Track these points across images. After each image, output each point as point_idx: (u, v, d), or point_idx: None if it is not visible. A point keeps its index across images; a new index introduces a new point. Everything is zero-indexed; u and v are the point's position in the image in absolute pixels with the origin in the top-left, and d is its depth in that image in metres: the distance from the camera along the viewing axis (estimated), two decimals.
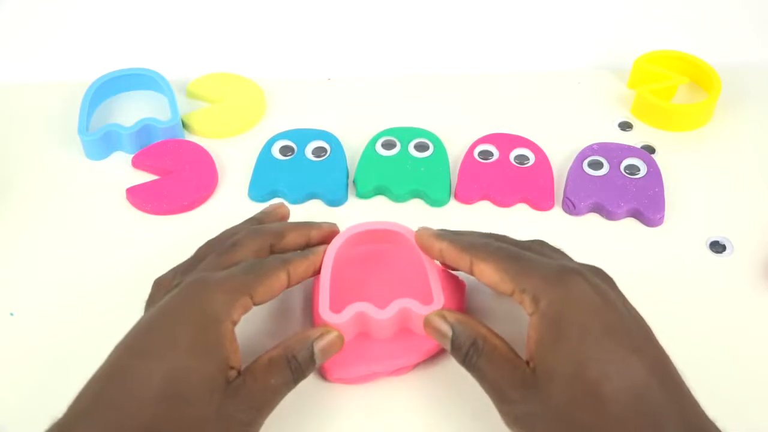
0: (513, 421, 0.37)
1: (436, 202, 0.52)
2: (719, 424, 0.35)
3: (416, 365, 0.44)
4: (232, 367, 0.37)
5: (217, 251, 0.42)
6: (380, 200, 0.53)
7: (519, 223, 0.52)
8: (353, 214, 0.52)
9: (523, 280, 0.37)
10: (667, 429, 0.33)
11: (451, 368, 0.44)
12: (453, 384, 0.43)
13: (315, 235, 0.44)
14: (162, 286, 0.42)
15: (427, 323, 0.40)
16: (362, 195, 0.53)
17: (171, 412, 0.34)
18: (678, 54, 0.61)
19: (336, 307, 0.42)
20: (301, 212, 0.52)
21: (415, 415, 0.42)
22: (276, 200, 0.47)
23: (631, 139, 0.57)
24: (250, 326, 0.43)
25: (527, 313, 0.37)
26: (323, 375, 0.43)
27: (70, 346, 0.45)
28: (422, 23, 0.67)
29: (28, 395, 0.43)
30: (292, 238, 0.44)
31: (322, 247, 0.43)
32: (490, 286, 0.39)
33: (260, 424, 0.37)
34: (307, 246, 0.44)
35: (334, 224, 0.46)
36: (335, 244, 0.45)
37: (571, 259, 0.41)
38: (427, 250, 0.42)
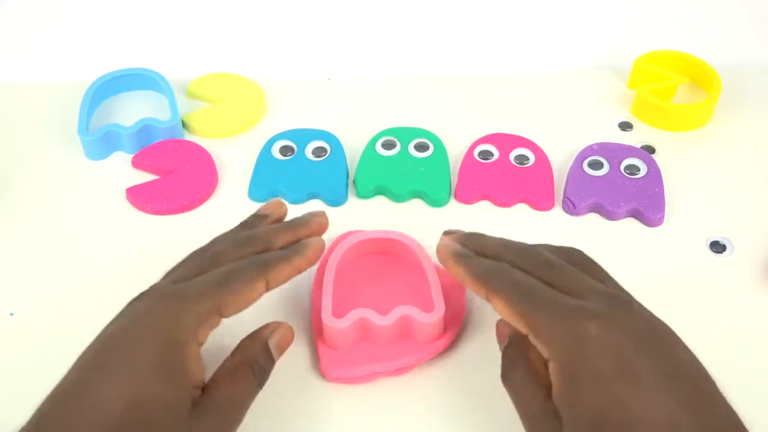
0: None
1: (436, 202, 0.52)
2: None
3: (415, 366, 0.43)
4: (196, 387, 0.35)
5: (197, 261, 0.40)
6: (380, 200, 0.53)
7: (519, 223, 0.52)
8: (353, 214, 0.52)
9: (534, 323, 0.35)
10: None
11: (451, 370, 0.44)
12: (453, 385, 0.43)
13: (304, 235, 0.42)
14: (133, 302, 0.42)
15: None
16: (362, 195, 0.53)
17: None
18: (678, 54, 0.61)
19: (337, 312, 0.42)
20: (301, 212, 0.52)
21: (415, 416, 0.42)
22: (273, 199, 0.46)
23: (631, 139, 0.57)
24: (245, 327, 0.42)
25: (546, 356, 0.35)
26: (323, 375, 0.43)
27: (70, 346, 0.44)
28: (422, 23, 0.67)
29: (28, 395, 0.43)
30: (279, 246, 0.41)
31: (308, 245, 0.41)
32: (509, 322, 0.37)
33: None
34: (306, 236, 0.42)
35: (322, 215, 0.44)
36: (337, 253, 0.45)
37: (595, 283, 0.38)
38: (447, 271, 0.41)
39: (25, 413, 0.41)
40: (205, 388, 0.36)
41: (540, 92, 0.61)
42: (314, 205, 0.53)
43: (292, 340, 0.40)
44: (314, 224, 0.43)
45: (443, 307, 0.42)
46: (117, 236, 0.51)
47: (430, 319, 0.42)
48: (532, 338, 0.36)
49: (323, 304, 0.42)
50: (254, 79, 0.61)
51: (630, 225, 0.52)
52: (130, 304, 0.38)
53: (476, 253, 0.40)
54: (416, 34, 0.66)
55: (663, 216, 0.51)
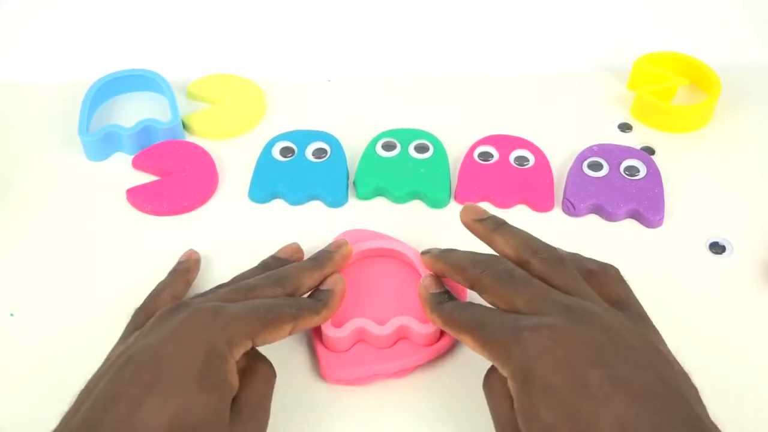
0: None
1: (436, 204, 0.52)
2: (719, 423, 0.35)
3: (415, 368, 0.44)
4: (232, 397, 0.36)
5: (231, 289, 0.41)
6: (380, 201, 0.53)
7: (519, 224, 0.51)
8: (353, 216, 0.52)
9: (493, 349, 0.36)
10: None
11: (451, 371, 0.44)
12: (453, 386, 0.43)
13: (330, 272, 0.43)
14: (158, 302, 0.43)
15: None
16: (362, 196, 0.53)
17: None
18: (678, 55, 0.61)
19: (336, 319, 0.43)
20: (301, 213, 0.52)
21: (414, 418, 0.42)
22: (291, 245, 0.47)
23: (631, 140, 0.57)
24: None
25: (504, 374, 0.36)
26: (322, 377, 0.43)
27: (70, 346, 0.45)
28: (422, 24, 0.67)
29: (28, 395, 0.43)
30: (308, 286, 0.43)
31: (334, 294, 0.42)
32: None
33: (267, 416, 0.38)
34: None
35: (345, 245, 0.45)
36: None
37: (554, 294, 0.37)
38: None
39: (25, 413, 0.42)
40: (244, 392, 0.37)
41: (540, 93, 0.61)
42: (314, 206, 0.53)
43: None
44: (339, 259, 0.44)
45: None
46: (117, 237, 0.51)
47: (427, 329, 0.43)
48: (495, 363, 0.36)
49: None
50: (254, 80, 0.61)
51: (630, 226, 0.52)
52: (162, 316, 0.39)
53: (453, 271, 0.41)
54: (416, 35, 0.66)
55: (663, 217, 0.51)
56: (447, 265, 0.41)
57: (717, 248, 0.50)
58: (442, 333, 0.44)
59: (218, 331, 0.36)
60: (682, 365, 0.36)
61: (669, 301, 0.47)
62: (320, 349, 0.43)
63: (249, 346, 0.38)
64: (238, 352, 0.37)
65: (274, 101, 0.60)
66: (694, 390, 0.36)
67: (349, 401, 0.42)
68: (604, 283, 0.39)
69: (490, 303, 0.39)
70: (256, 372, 0.38)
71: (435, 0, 0.69)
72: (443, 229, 0.51)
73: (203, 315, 0.37)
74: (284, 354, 0.43)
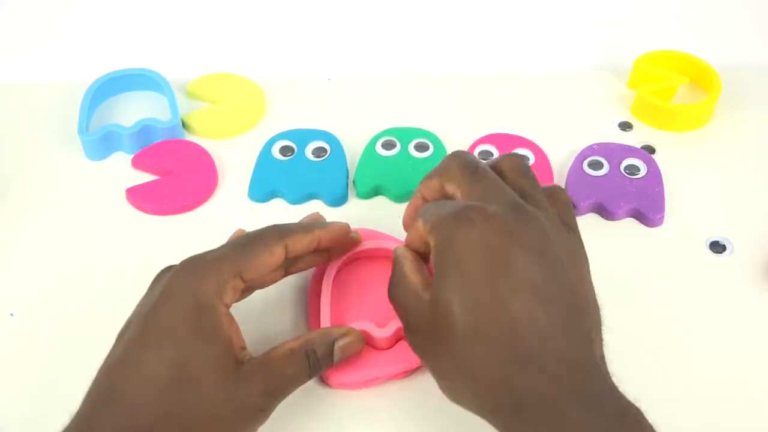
0: (415, 350, 0.38)
1: None
2: (719, 423, 0.35)
3: (417, 369, 0.44)
4: (235, 347, 0.37)
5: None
6: (380, 200, 0.53)
7: None
8: (353, 214, 0.52)
9: (432, 222, 0.37)
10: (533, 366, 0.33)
11: None
12: None
13: (324, 237, 0.43)
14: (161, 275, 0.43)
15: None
16: (362, 195, 0.53)
17: (183, 395, 0.34)
18: (678, 54, 0.61)
19: (336, 323, 0.43)
20: (301, 212, 0.52)
21: (418, 419, 0.42)
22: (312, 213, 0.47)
23: (631, 139, 0.57)
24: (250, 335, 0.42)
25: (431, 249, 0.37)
26: (325, 381, 0.43)
27: (70, 346, 0.45)
28: (422, 23, 0.67)
29: (28, 395, 0.43)
30: (301, 238, 0.41)
31: (329, 224, 0.43)
32: (423, 241, 0.38)
33: (271, 411, 0.37)
34: (317, 250, 0.43)
35: (345, 225, 0.44)
36: (334, 264, 0.45)
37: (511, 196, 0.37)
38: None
39: (25, 413, 0.42)
40: (257, 359, 0.37)
41: (540, 92, 0.61)
42: (314, 206, 0.53)
43: (360, 348, 0.42)
44: (336, 227, 0.44)
45: None
46: (117, 236, 0.51)
47: None
48: (428, 235, 0.37)
49: (321, 317, 0.43)
50: (254, 79, 0.61)
51: (630, 225, 0.52)
52: (157, 277, 0.40)
53: (425, 180, 0.41)
54: (416, 35, 0.66)
55: (663, 216, 0.51)
56: (420, 185, 0.41)
57: (717, 247, 0.50)
58: None
59: (201, 280, 0.37)
60: (600, 309, 0.37)
61: (669, 300, 0.47)
62: None
63: (241, 285, 0.38)
64: (229, 296, 0.37)
65: (273, 100, 0.60)
66: (598, 327, 0.36)
67: (352, 404, 0.42)
68: (561, 203, 0.40)
69: (451, 195, 0.39)
70: (295, 358, 0.38)
71: (435, 0, 0.69)
72: None
73: (186, 268, 0.38)
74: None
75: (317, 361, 0.39)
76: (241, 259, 0.38)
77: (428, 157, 0.54)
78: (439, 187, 0.40)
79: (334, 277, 0.46)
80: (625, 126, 0.58)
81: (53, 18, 0.67)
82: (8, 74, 0.63)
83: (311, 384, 0.43)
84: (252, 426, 0.37)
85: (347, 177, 0.54)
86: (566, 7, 0.68)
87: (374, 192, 0.53)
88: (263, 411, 0.37)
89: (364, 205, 0.53)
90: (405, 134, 0.55)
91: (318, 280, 0.46)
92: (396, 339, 0.43)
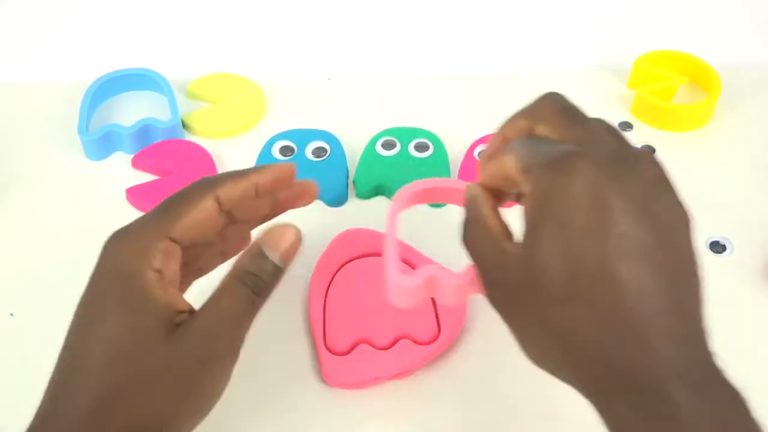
0: (494, 303, 0.34)
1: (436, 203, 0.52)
2: None
3: (417, 369, 0.44)
4: (180, 312, 0.34)
5: None
6: (380, 200, 0.53)
7: (518, 222, 0.51)
8: (353, 215, 0.52)
9: (527, 163, 0.33)
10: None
11: (453, 371, 0.44)
12: (454, 387, 0.43)
13: (261, 180, 0.37)
14: None
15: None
16: (362, 195, 0.53)
17: (120, 373, 0.33)
18: (678, 54, 0.61)
19: (338, 338, 0.43)
20: (300, 212, 0.52)
21: (418, 420, 0.42)
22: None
23: (631, 139, 0.57)
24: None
25: (525, 196, 0.33)
26: (325, 381, 0.43)
27: None
28: (422, 23, 0.67)
29: (28, 395, 0.43)
30: (232, 185, 0.37)
31: (267, 165, 0.38)
32: (510, 178, 0.34)
33: (223, 357, 0.34)
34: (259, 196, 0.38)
35: (287, 165, 0.39)
36: (335, 260, 0.45)
37: (619, 145, 0.34)
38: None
39: (25, 413, 0.42)
40: (192, 313, 0.34)
41: (540, 92, 0.61)
42: (314, 205, 0.52)
43: (296, 241, 0.36)
44: (271, 167, 0.39)
45: (437, 330, 0.44)
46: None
47: (428, 342, 0.43)
48: (519, 175, 0.33)
49: (388, 264, 0.37)
50: (254, 79, 0.61)
51: None
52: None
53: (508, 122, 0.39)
54: (416, 35, 0.66)
55: None
56: (504, 125, 0.38)
57: (717, 247, 0.50)
58: (445, 326, 0.44)
59: (125, 249, 0.34)
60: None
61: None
62: (322, 353, 0.43)
63: (172, 247, 0.35)
64: (158, 260, 0.34)
65: (273, 100, 0.60)
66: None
67: (352, 405, 0.42)
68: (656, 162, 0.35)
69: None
70: (227, 290, 0.34)
71: (435, 0, 0.68)
72: (443, 227, 0.51)
73: (111, 241, 0.35)
74: (286, 357, 0.43)
75: (254, 277, 0.35)
76: (167, 220, 0.35)
77: (428, 157, 0.54)
78: (527, 130, 0.36)
79: (333, 278, 0.46)
80: (625, 126, 0.58)
81: (53, 18, 0.67)
82: (8, 74, 0.63)
83: (311, 384, 0.43)
84: (203, 385, 0.34)
85: (347, 177, 0.54)
86: (566, 7, 0.68)
87: (374, 192, 0.53)
88: (208, 363, 0.34)
89: (364, 205, 0.53)
90: (405, 134, 0.55)
91: (318, 279, 0.46)
92: (396, 339, 0.43)
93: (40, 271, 0.49)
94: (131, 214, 0.52)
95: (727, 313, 0.47)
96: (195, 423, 0.34)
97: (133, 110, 0.59)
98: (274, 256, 0.35)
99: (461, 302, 0.41)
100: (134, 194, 0.52)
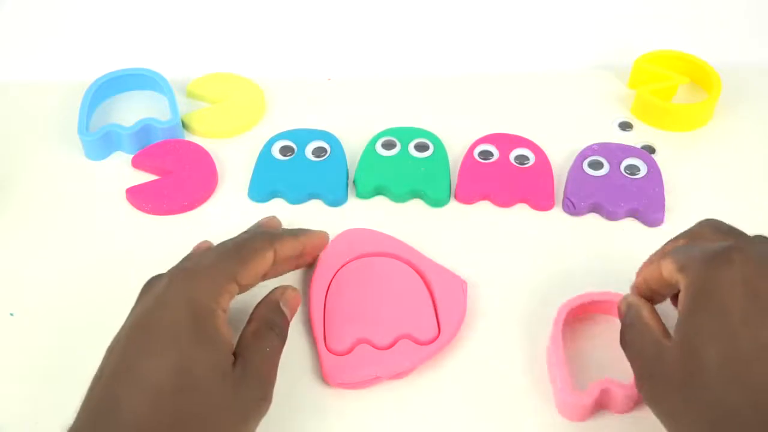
0: (649, 397, 0.36)
1: (436, 202, 0.52)
2: None
3: (417, 368, 0.44)
4: (230, 351, 0.37)
5: (208, 247, 0.43)
6: (380, 200, 0.53)
7: (519, 223, 0.52)
8: (353, 215, 0.52)
9: (684, 263, 0.36)
10: None
11: (453, 371, 0.44)
12: (455, 386, 0.43)
13: (308, 244, 0.45)
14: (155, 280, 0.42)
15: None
16: (362, 195, 0.53)
17: (187, 402, 0.34)
18: (678, 54, 0.61)
19: (338, 338, 0.43)
20: (301, 212, 0.52)
21: (417, 420, 0.42)
22: (269, 215, 0.49)
23: (631, 139, 0.57)
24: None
25: (681, 294, 0.35)
26: (325, 381, 0.43)
27: (70, 346, 0.45)
28: (422, 24, 0.67)
29: (28, 395, 0.43)
30: (289, 244, 0.43)
31: (312, 231, 0.45)
32: (669, 281, 0.37)
33: (271, 395, 0.38)
34: (301, 255, 0.45)
35: (325, 234, 0.47)
36: (337, 258, 0.46)
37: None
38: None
39: (25, 413, 0.42)
40: (236, 355, 0.37)
41: (540, 92, 0.61)
42: (314, 205, 0.53)
43: (299, 300, 0.43)
44: (316, 235, 0.46)
45: (437, 330, 0.44)
46: (117, 236, 0.51)
47: (429, 342, 0.43)
48: (674, 275, 0.36)
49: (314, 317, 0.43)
50: (254, 79, 0.61)
51: (630, 225, 0.52)
52: (147, 288, 0.40)
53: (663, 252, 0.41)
54: (416, 35, 0.66)
55: (663, 216, 0.51)
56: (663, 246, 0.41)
57: None
58: (445, 325, 0.44)
59: (199, 286, 0.37)
60: None
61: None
62: (323, 352, 0.43)
63: (236, 290, 0.39)
64: (226, 300, 0.38)
65: (273, 100, 0.60)
66: None
67: (353, 404, 0.42)
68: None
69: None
70: (263, 335, 0.39)
71: (435, 0, 0.68)
72: (443, 227, 0.51)
73: (181, 275, 0.38)
74: (286, 357, 0.43)
75: (278, 326, 0.40)
76: (236, 264, 0.39)
77: (428, 157, 0.54)
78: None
79: (333, 278, 0.46)
80: (625, 126, 0.58)
81: (53, 18, 0.67)
82: (8, 74, 0.63)
83: (311, 384, 0.43)
84: (256, 419, 0.37)
85: (347, 177, 0.54)
86: (566, 7, 0.68)
87: (374, 192, 0.53)
88: (263, 400, 0.37)
89: (364, 205, 0.53)
90: (405, 134, 0.55)
91: (318, 279, 0.46)
92: (396, 339, 0.43)
93: (40, 271, 0.49)
94: (131, 214, 0.52)
95: None
96: None
97: (133, 110, 0.59)
98: (286, 311, 0.41)
99: (629, 410, 0.42)
100: (134, 194, 0.52)
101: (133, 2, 0.68)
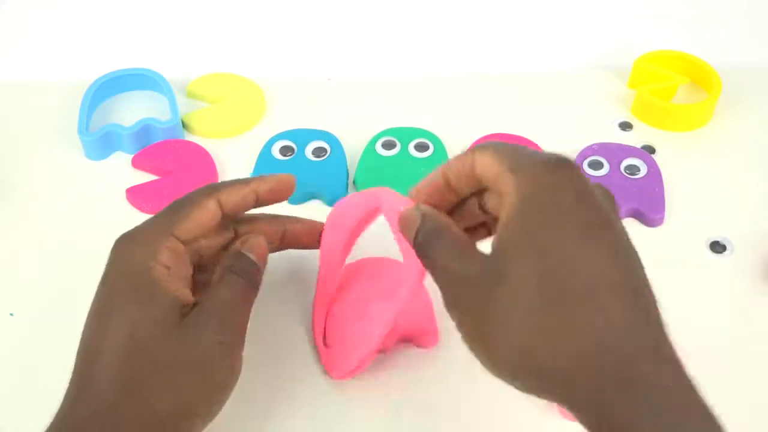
0: (454, 304, 0.33)
1: None
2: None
3: (402, 338, 0.44)
4: (187, 305, 0.36)
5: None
6: None
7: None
8: None
9: (515, 162, 0.32)
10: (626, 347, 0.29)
11: (453, 372, 0.44)
12: (455, 388, 0.43)
13: (262, 188, 0.41)
14: None
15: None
16: None
17: (137, 363, 0.34)
18: (678, 54, 0.61)
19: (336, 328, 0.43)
20: (301, 212, 0.52)
21: (418, 420, 0.42)
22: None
23: (631, 139, 0.57)
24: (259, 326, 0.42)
25: (506, 194, 0.32)
26: (328, 374, 0.43)
27: (70, 346, 0.44)
28: (422, 24, 0.67)
29: (28, 395, 0.43)
30: (235, 190, 0.41)
31: (268, 175, 0.42)
32: (482, 176, 0.34)
33: (236, 340, 0.36)
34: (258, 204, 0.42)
35: (287, 175, 0.43)
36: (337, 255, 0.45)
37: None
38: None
39: (25, 413, 0.42)
40: (196, 303, 0.37)
41: (540, 92, 0.61)
42: (314, 205, 0.53)
43: (264, 247, 0.40)
44: (271, 178, 0.42)
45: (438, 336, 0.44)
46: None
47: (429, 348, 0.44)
48: (502, 175, 0.32)
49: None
50: (254, 79, 0.61)
51: (630, 225, 0.51)
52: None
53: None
54: (416, 35, 0.66)
55: (663, 216, 0.51)
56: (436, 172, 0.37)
57: (717, 247, 0.50)
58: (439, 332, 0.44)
59: (134, 247, 0.37)
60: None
61: (669, 300, 0.47)
62: (322, 350, 0.44)
63: (177, 244, 0.38)
64: (166, 256, 0.37)
65: (273, 100, 0.60)
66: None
67: (352, 405, 0.43)
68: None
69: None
70: (224, 280, 0.38)
71: (435, 0, 0.68)
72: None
73: (120, 241, 0.38)
74: (288, 353, 0.43)
75: (243, 269, 0.38)
76: (172, 220, 0.38)
77: (428, 157, 0.54)
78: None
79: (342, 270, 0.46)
80: (625, 126, 0.58)
81: (53, 18, 0.67)
82: (8, 74, 0.63)
83: (312, 377, 0.43)
84: (222, 366, 0.36)
85: (347, 177, 0.54)
86: (566, 7, 0.68)
87: None
88: (223, 343, 0.36)
89: None
90: (405, 134, 0.55)
91: (325, 276, 0.46)
92: (396, 341, 0.43)
93: (40, 271, 0.49)
94: (131, 214, 0.52)
95: (727, 313, 0.47)
96: (211, 413, 0.36)
97: (133, 110, 0.59)
98: (251, 255, 0.39)
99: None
100: (134, 194, 0.52)
101: (133, 2, 0.68)
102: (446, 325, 0.45)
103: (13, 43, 0.66)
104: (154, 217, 0.39)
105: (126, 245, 0.38)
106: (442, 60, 0.65)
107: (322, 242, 0.44)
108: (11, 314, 0.46)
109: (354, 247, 0.47)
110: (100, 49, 0.65)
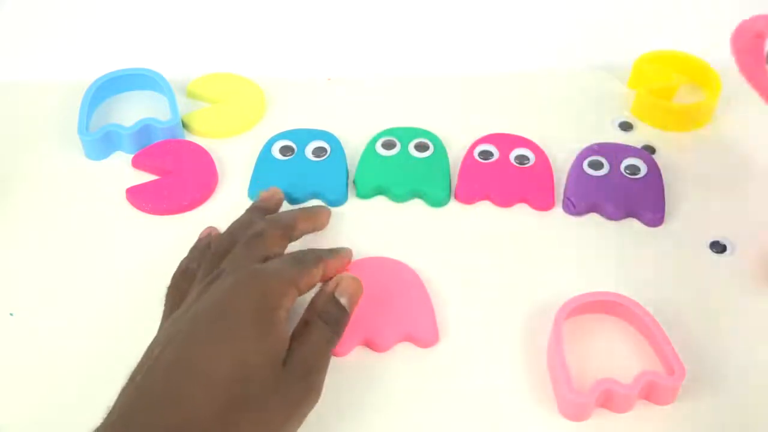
0: None
1: (436, 202, 0.52)
2: (719, 425, 0.34)
3: (402, 338, 0.44)
4: (285, 346, 0.39)
5: (243, 242, 0.44)
6: (380, 200, 0.53)
7: (519, 223, 0.52)
8: (353, 215, 0.52)
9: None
10: None
11: (453, 372, 0.44)
12: (455, 388, 0.43)
13: (319, 219, 0.49)
14: (186, 276, 0.44)
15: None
16: (362, 195, 0.53)
17: (240, 392, 0.36)
18: (678, 54, 0.61)
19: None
20: None
21: (417, 420, 0.42)
22: (270, 188, 0.50)
23: (631, 139, 0.57)
24: None
25: None
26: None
27: (70, 346, 0.45)
28: (422, 23, 0.67)
29: (28, 395, 0.43)
30: (303, 228, 0.48)
31: (344, 249, 0.47)
32: None
33: (319, 385, 0.39)
34: (314, 230, 0.49)
35: (350, 252, 0.47)
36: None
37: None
38: None
39: (25, 413, 0.42)
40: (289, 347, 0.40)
41: (540, 92, 0.61)
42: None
43: (358, 286, 0.43)
44: (324, 216, 0.50)
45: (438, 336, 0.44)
46: (117, 236, 0.51)
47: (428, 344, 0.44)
48: None
49: None
50: (254, 79, 0.61)
51: (630, 225, 0.52)
52: (207, 287, 0.41)
53: None
54: (416, 35, 0.66)
55: (663, 216, 0.51)
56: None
57: (718, 247, 0.50)
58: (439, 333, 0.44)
59: (266, 285, 0.40)
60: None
61: (669, 300, 0.47)
62: None
63: (296, 294, 0.41)
64: (288, 302, 0.40)
65: (273, 100, 0.60)
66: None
67: (353, 404, 0.43)
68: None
69: None
70: (311, 327, 0.40)
71: (435, 0, 0.68)
72: (443, 227, 0.51)
73: (249, 275, 0.41)
74: None
75: (331, 317, 0.41)
76: (298, 273, 0.42)
77: (428, 157, 0.54)
78: None
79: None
80: (626, 126, 0.58)
81: (53, 18, 0.67)
82: (8, 74, 0.63)
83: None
84: (303, 407, 0.38)
85: (347, 177, 0.54)
86: (566, 7, 0.68)
87: (374, 192, 0.53)
88: (309, 390, 0.39)
89: (364, 205, 0.53)
90: (405, 134, 0.55)
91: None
92: (396, 341, 0.43)
93: (40, 271, 0.49)
94: (131, 214, 0.52)
95: (727, 313, 0.47)
96: None
97: (133, 110, 0.59)
98: (343, 301, 0.42)
99: (629, 410, 0.42)
100: (134, 194, 0.52)
101: (133, 2, 0.68)
102: (446, 325, 0.45)
103: (13, 43, 0.66)
104: (281, 264, 0.42)
105: (260, 281, 0.40)
106: (442, 60, 0.65)
107: None
108: (11, 314, 0.46)
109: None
110: (100, 49, 0.65)
